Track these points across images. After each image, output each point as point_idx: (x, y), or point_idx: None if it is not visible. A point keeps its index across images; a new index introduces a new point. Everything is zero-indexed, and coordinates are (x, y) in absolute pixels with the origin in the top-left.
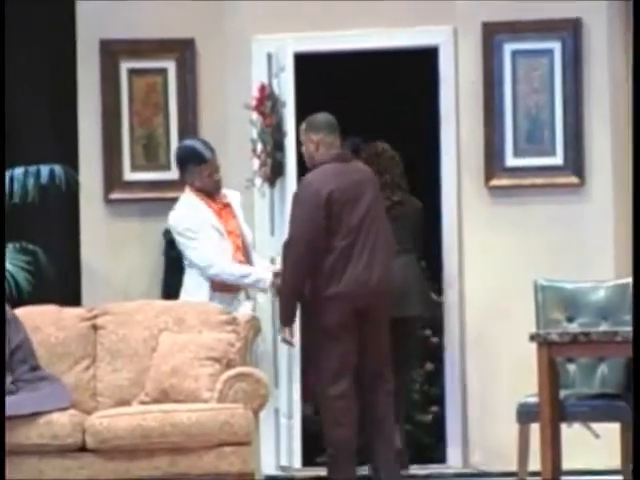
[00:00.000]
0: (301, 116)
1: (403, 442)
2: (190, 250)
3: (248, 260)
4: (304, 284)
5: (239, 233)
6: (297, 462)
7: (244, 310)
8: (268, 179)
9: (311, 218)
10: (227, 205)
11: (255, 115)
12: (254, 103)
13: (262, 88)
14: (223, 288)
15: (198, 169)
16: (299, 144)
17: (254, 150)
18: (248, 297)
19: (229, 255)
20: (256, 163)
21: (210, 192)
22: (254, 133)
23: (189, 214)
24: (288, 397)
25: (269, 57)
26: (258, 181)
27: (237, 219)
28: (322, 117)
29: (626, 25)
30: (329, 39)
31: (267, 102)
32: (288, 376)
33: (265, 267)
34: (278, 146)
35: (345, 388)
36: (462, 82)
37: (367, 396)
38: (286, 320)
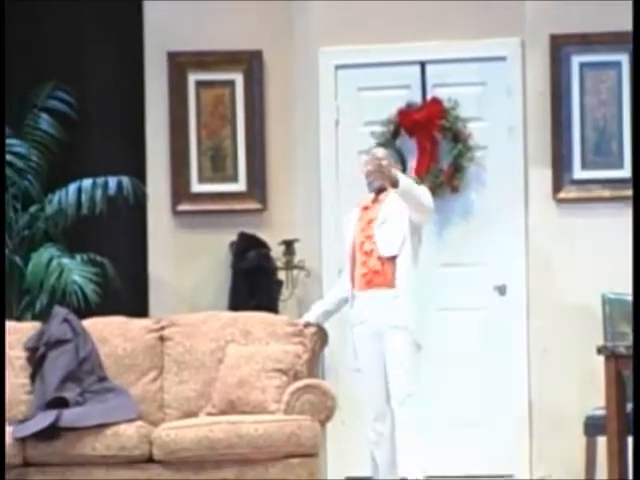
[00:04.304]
0: None
1: None
2: None
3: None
4: None
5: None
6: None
7: None
8: None
9: None
10: (370, 221)
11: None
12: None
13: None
14: None
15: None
16: None
17: None
18: None
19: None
20: None
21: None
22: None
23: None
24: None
25: (336, 68)
26: None
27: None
28: None
29: None
30: (396, 51)
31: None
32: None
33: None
34: None
35: None
36: (529, 94)
37: None
38: None
